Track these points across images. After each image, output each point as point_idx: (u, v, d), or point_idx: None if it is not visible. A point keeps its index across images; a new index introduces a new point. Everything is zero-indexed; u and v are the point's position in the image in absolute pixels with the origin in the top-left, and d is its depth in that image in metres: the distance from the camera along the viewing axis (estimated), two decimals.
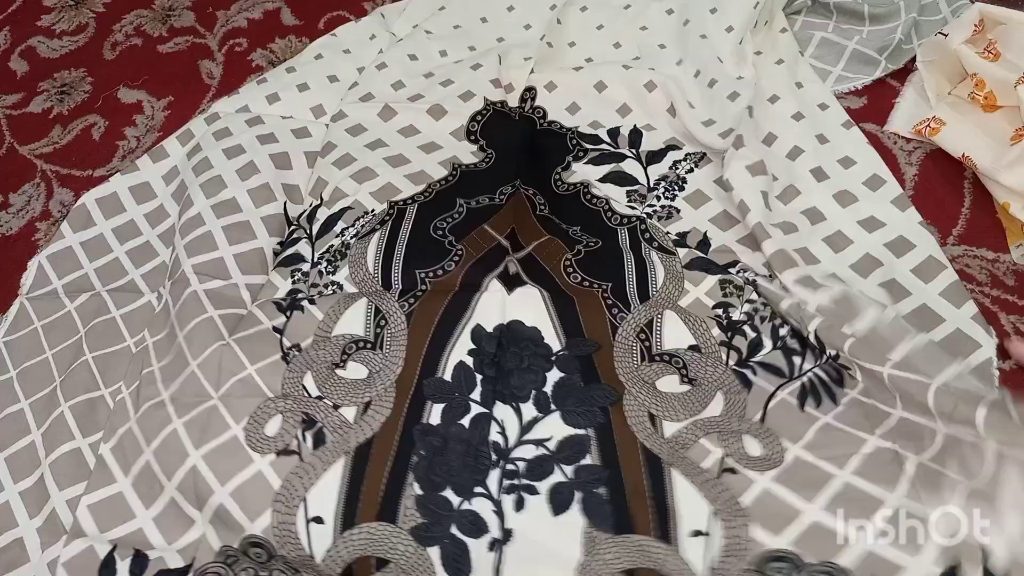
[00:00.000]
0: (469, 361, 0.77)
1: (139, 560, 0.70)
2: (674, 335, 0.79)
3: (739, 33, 1.09)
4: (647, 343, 0.78)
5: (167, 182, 1.03)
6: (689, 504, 0.65)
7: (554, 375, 0.76)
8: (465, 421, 0.73)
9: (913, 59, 1.04)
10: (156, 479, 0.73)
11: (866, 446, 0.67)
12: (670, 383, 0.75)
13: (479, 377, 0.76)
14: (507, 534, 0.66)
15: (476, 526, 0.66)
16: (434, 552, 0.65)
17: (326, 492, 0.69)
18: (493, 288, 0.82)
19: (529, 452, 0.70)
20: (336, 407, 0.75)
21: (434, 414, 0.74)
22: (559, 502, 0.67)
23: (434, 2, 1.26)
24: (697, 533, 0.63)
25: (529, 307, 0.81)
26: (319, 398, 0.76)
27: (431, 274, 0.85)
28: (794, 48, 1.10)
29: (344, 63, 1.17)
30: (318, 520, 0.67)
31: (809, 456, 0.67)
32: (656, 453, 0.69)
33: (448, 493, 0.68)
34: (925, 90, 1.00)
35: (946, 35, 0.97)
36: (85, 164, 1.12)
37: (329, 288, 0.87)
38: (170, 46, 1.25)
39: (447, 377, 0.76)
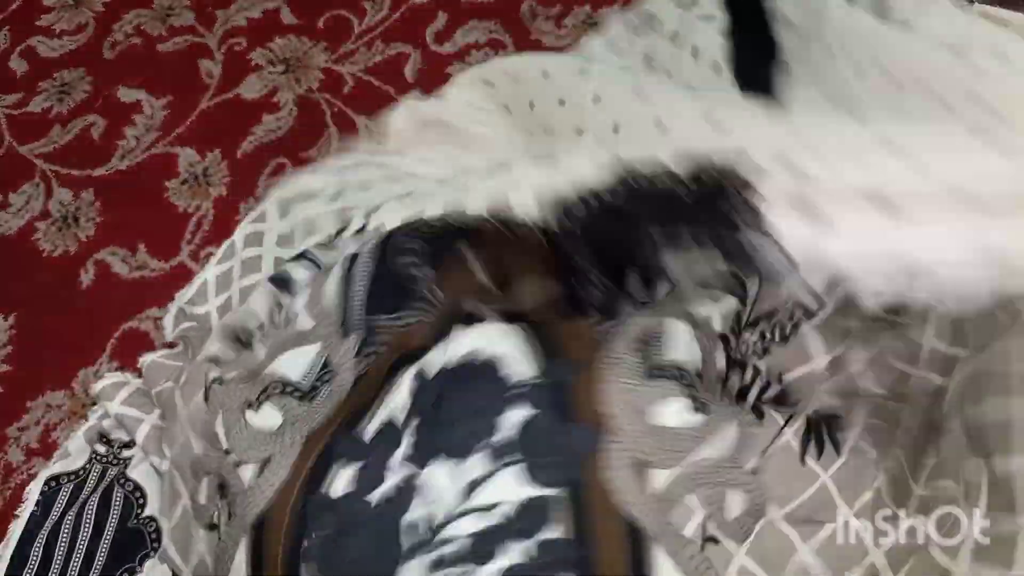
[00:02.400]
0: (400, 416, 0.58)
1: None
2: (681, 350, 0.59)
3: None
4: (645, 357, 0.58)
5: None
6: None
7: (517, 414, 0.55)
8: (376, 494, 0.55)
9: None
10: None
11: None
12: (674, 412, 0.55)
13: (407, 435, 0.58)
14: None
15: None
16: None
17: None
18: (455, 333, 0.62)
19: (470, 525, 0.52)
20: (237, 464, 0.61)
21: (339, 481, 0.57)
22: None
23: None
24: None
25: (488, 335, 0.60)
26: (226, 452, 0.62)
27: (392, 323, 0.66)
28: None
29: None
30: None
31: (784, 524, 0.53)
32: (639, 523, 0.51)
33: None
34: None
35: None
36: (85, 164, 1.12)
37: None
38: (169, 45, 1.25)
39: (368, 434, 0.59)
